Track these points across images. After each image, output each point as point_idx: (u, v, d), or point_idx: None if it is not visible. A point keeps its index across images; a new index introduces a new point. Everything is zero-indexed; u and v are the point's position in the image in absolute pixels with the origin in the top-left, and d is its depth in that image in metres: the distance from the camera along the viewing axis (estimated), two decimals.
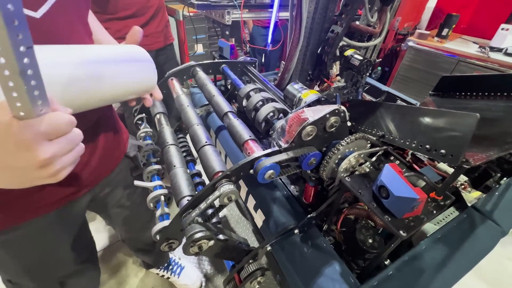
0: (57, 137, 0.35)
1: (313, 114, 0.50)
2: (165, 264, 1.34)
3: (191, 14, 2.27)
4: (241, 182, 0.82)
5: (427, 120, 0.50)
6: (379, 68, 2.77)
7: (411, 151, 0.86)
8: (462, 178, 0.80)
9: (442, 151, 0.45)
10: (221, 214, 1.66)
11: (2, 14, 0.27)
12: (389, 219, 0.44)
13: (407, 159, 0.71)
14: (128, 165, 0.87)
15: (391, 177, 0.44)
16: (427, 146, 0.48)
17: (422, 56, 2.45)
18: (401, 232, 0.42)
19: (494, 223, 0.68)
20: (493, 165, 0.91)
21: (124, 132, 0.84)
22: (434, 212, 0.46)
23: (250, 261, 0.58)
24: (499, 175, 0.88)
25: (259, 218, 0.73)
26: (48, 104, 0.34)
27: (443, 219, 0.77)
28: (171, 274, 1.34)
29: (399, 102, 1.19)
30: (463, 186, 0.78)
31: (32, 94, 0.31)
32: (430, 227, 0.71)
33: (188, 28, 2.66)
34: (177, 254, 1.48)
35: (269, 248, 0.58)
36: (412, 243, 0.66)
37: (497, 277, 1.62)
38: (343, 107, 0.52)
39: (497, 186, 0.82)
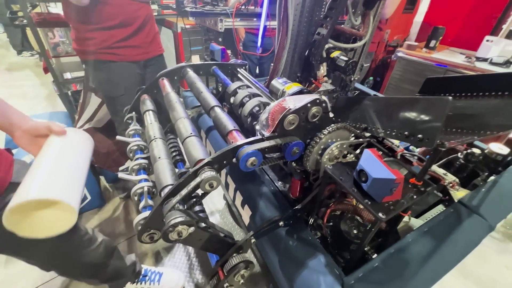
0: None
1: (295, 103, 0.51)
2: (140, 277, 1.27)
3: (185, 26, 2.34)
4: (229, 180, 0.81)
5: (404, 108, 0.51)
6: (371, 78, 2.85)
7: (400, 153, 0.88)
8: (451, 177, 0.81)
9: (419, 136, 0.46)
10: (215, 221, 1.64)
11: None
12: (369, 203, 0.44)
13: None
14: None
15: (370, 160, 0.45)
16: (406, 133, 0.49)
17: (412, 66, 2.53)
18: (380, 214, 0.42)
19: (481, 217, 0.68)
20: (480, 164, 0.93)
21: (3, 160, 0.74)
22: (414, 197, 0.46)
23: (234, 254, 0.57)
24: (486, 174, 0.89)
25: (246, 214, 0.72)
26: None
27: (432, 216, 0.77)
28: (150, 284, 1.26)
29: None
30: (451, 185, 0.79)
31: None
32: (418, 223, 0.71)
33: (185, 40, 2.73)
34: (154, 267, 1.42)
35: (253, 240, 0.57)
36: (400, 237, 0.65)
37: (495, 285, 1.59)
38: (324, 97, 0.53)
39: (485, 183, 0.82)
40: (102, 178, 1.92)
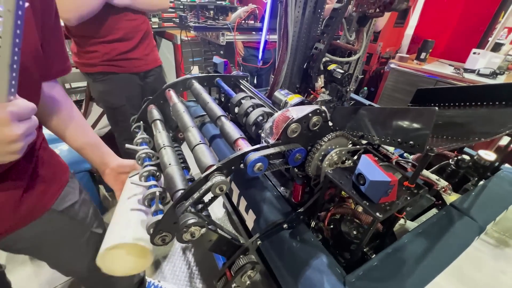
0: (24, 119, 0.42)
1: (297, 113, 0.56)
2: None
3: (188, 38, 2.43)
4: (233, 186, 0.85)
5: (396, 117, 0.56)
6: (365, 88, 2.94)
7: (395, 160, 0.93)
8: (443, 182, 0.86)
9: (411, 142, 0.50)
10: None
11: (14, 19, 0.34)
12: (367, 203, 0.48)
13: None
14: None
15: (367, 165, 0.49)
16: (399, 140, 0.54)
17: (404, 77, 2.64)
18: (377, 214, 0.46)
19: (471, 219, 0.72)
20: (470, 170, 0.98)
21: (58, 177, 0.72)
22: (408, 198, 0.50)
23: (241, 256, 0.60)
24: (476, 179, 0.94)
25: (250, 219, 0.75)
26: (16, 92, 0.41)
27: (426, 219, 0.81)
28: None
29: None
30: (443, 189, 0.84)
31: (11, 83, 0.39)
32: (413, 226, 0.75)
33: (185, 51, 2.82)
34: (157, 278, 1.42)
35: (259, 242, 0.60)
36: (396, 239, 0.69)
37: None
38: (323, 108, 0.58)
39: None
40: (101, 187, 1.93)
